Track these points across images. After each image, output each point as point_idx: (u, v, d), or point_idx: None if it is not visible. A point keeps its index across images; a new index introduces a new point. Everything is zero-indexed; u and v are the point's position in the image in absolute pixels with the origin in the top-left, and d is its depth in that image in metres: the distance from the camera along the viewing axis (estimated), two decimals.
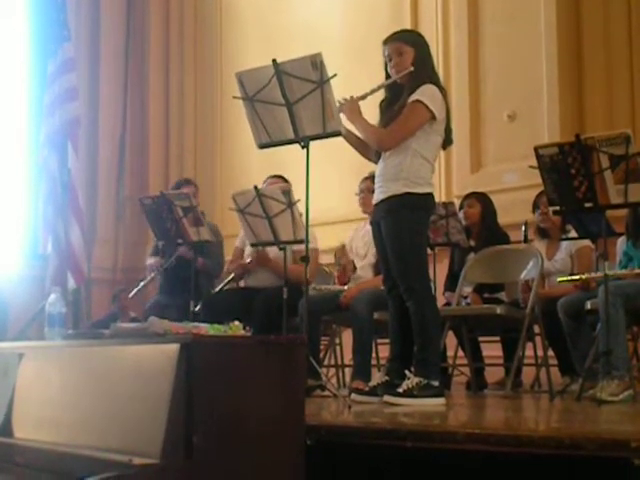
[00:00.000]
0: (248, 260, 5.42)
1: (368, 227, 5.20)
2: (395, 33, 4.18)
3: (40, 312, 4.82)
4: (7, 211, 8.59)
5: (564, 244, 5.36)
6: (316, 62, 3.86)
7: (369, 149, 4.21)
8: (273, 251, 5.24)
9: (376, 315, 4.84)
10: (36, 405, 2.69)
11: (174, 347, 2.22)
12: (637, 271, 4.40)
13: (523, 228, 5.63)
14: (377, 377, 4.27)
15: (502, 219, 5.85)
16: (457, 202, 5.93)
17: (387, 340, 4.35)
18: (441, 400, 3.90)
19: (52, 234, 7.18)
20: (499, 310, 4.90)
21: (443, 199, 6.34)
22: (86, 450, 2.31)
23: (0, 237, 8.48)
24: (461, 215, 5.73)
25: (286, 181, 5.41)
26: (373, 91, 4.12)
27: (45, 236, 7.30)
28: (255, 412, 2.33)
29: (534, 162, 4.11)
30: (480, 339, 5.59)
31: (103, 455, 2.23)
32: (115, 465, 2.13)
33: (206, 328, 2.56)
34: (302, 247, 4.53)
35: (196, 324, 2.62)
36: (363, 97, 4.08)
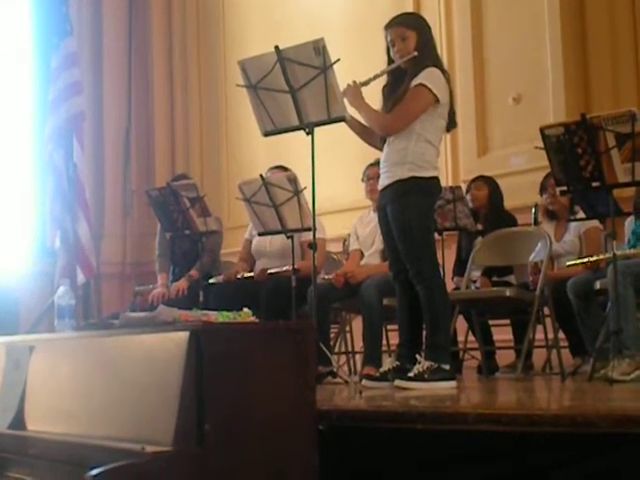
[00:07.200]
0: (239, 276, 5.40)
1: (372, 214, 5.20)
2: (396, 17, 4.16)
3: (50, 307, 4.84)
4: (14, 207, 8.60)
5: (572, 225, 5.35)
6: (319, 47, 3.86)
7: (373, 135, 4.20)
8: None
9: (386, 301, 4.84)
10: (48, 397, 2.70)
11: (184, 335, 2.23)
12: None
13: (533, 210, 5.61)
14: (388, 363, 4.27)
15: (509, 202, 5.84)
16: (464, 186, 5.92)
17: (397, 326, 4.35)
18: (452, 383, 3.90)
19: (60, 229, 7.20)
20: (508, 293, 4.90)
21: (450, 183, 6.32)
22: (98, 440, 2.32)
23: (8, 233, 8.50)
24: (468, 198, 5.73)
25: (287, 171, 5.39)
26: (376, 76, 4.11)
27: (53, 231, 7.32)
28: (266, 398, 2.33)
29: (540, 144, 4.09)
30: (490, 322, 5.59)
31: (115, 444, 2.24)
32: (128, 454, 2.14)
33: (215, 315, 2.56)
34: (309, 236, 4.53)
35: (205, 312, 2.62)
36: (366, 83, 4.07)
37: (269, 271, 5.23)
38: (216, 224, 5.54)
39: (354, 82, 4.06)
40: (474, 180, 5.87)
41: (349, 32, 7.56)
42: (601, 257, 4.54)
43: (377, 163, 4.97)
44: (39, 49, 8.67)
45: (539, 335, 5.21)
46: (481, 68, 6.95)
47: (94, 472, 2.05)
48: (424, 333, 4.05)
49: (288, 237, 4.78)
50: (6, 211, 8.52)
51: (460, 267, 5.64)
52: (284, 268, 5.04)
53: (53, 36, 7.52)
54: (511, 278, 5.56)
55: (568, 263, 4.89)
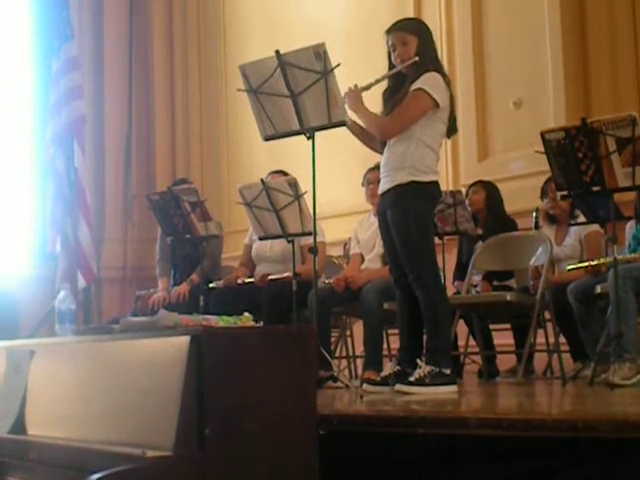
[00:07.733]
0: (239, 281, 5.40)
1: (373, 218, 5.20)
2: (398, 22, 4.17)
3: (50, 312, 4.83)
4: (15, 211, 8.60)
5: (573, 229, 5.34)
6: (319, 52, 3.85)
7: (374, 139, 4.21)
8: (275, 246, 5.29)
9: (386, 305, 4.83)
10: (48, 401, 2.69)
11: (184, 339, 2.23)
12: None
13: (534, 215, 5.62)
14: (389, 367, 4.27)
15: (510, 207, 5.84)
16: (465, 191, 5.92)
17: (398, 330, 4.35)
18: (453, 388, 3.90)
19: (61, 233, 7.21)
20: (509, 297, 4.89)
21: (451, 188, 6.32)
22: (99, 445, 2.32)
23: (9, 237, 8.49)
24: (467, 202, 5.73)
25: (287, 175, 5.38)
26: (378, 81, 4.12)
27: (53, 235, 7.33)
28: (267, 402, 2.33)
29: (541, 149, 4.09)
30: (491, 327, 5.59)
31: (116, 449, 2.23)
32: (128, 458, 2.14)
33: (216, 320, 2.56)
34: (309, 240, 4.53)
35: (206, 316, 2.62)
36: (367, 87, 4.07)
37: (270, 277, 5.22)
38: (217, 228, 5.54)
39: (355, 86, 4.06)
40: (473, 185, 5.88)
41: (350, 37, 7.57)
42: (602, 261, 4.54)
43: (377, 167, 4.97)
44: (40, 53, 8.67)
45: (540, 339, 5.21)
46: (481, 72, 6.96)
47: (95, 477, 2.05)
48: (425, 337, 4.05)
49: (289, 241, 4.78)
50: (7, 215, 8.51)
51: (461, 271, 5.64)
52: (285, 274, 5.03)
53: (54, 40, 7.53)
54: (512, 282, 5.55)
55: (569, 267, 4.89)
